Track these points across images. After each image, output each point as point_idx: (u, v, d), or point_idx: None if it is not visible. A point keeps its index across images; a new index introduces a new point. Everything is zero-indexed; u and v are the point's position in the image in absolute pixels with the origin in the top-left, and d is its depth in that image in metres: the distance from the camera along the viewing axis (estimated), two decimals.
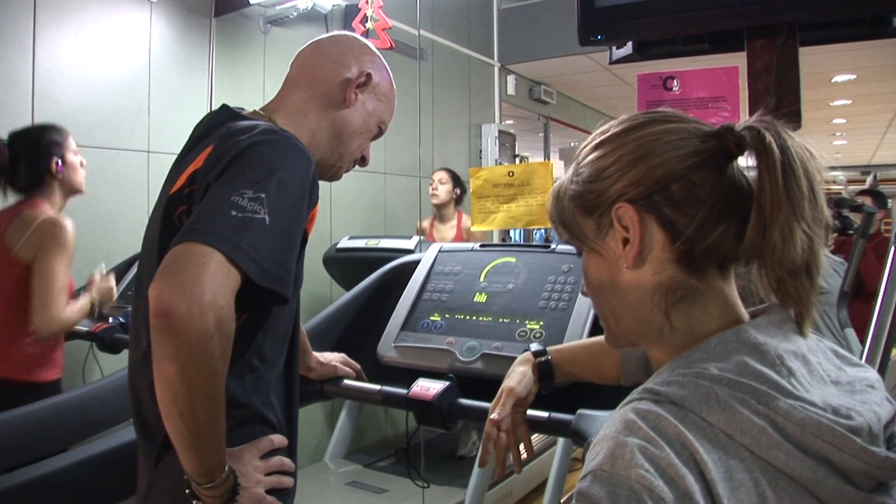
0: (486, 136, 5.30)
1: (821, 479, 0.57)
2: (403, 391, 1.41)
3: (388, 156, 4.21)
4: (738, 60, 1.59)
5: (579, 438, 1.18)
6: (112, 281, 2.25)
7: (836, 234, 3.61)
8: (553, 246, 1.78)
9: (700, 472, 0.56)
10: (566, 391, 1.30)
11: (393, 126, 1.37)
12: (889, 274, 1.49)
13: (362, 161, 1.31)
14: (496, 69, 5.56)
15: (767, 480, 0.57)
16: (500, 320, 1.65)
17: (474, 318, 1.69)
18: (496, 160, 5.21)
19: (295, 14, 3.49)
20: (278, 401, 1.16)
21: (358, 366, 1.58)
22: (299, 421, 1.26)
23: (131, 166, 2.97)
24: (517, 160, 5.81)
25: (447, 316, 1.72)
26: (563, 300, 1.62)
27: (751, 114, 1.52)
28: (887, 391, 0.68)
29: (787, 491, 0.57)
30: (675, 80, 1.67)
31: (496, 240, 4.35)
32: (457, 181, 3.94)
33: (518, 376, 1.18)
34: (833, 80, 6.53)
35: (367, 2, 3.51)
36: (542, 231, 5.31)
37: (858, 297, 3.64)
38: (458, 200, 3.96)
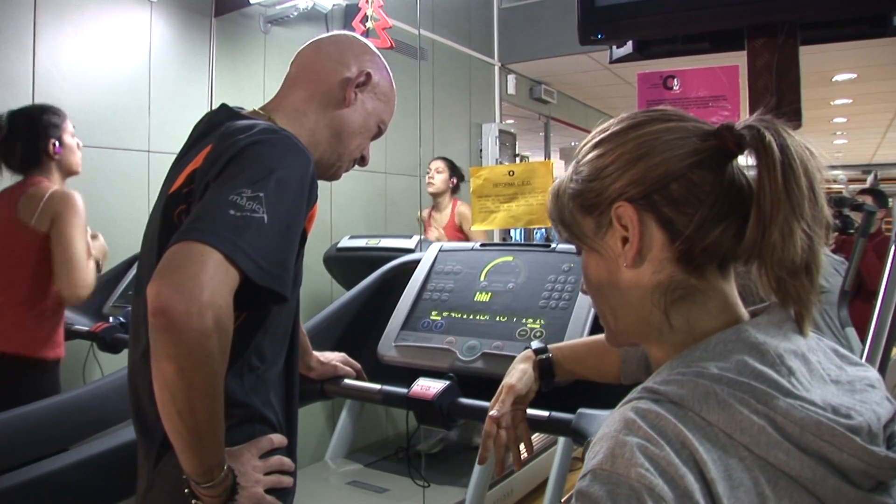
0: (486, 135, 5.30)
1: (820, 479, 0.57)
2: (404, 390, 1.41)
3: (389, 155, 4.21)
4: (738, 59, 1.59)
5: (579, 437, 1.18)
6: (101, 238, 2.29)
7: (836, 234, 3.61)
8: (553, 245, 1.78)
9: (700, 471, 0.56)
10: (566, 390, 1.30)
11: (393, 125, 1.37)
12: (889, 273, 1.49)
13: (362, 161, 1.31)
14: (496, 68, 5.56)
15: (767, 480, 0.57)
16: (501, 319, 1.65)
17: (475, 317, 1.69)
18: (497, 159, 5.21)
19: (295, 14, 3.49)
20: (278, 400, 1.16)
21: (358, 365, 1.58)
22: (300, 420, 1.26)
23: (132, 166, 2.97)
24: (518, 159, 5.81)
25: (447, 315, 1.72)
26: (564, 299, 1.61)
27: (751, 113, 1.52)
28: (887, 390, 0.68)
29: (786, 490, 0.57)
30: (675, 80, 1.66)
31: (497, 239, 4.36)
32: (454, 170, 3.94)
33: (518, 374, 1.18)
34: (833, 79, 6.53)
35: (367, 1, 3.51)
36: (543, 230, 5.31)
37: (859, 296, 3.64)
38: (455, 189, 3.96)
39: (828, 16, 1.46)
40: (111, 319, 2.43)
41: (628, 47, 1.68)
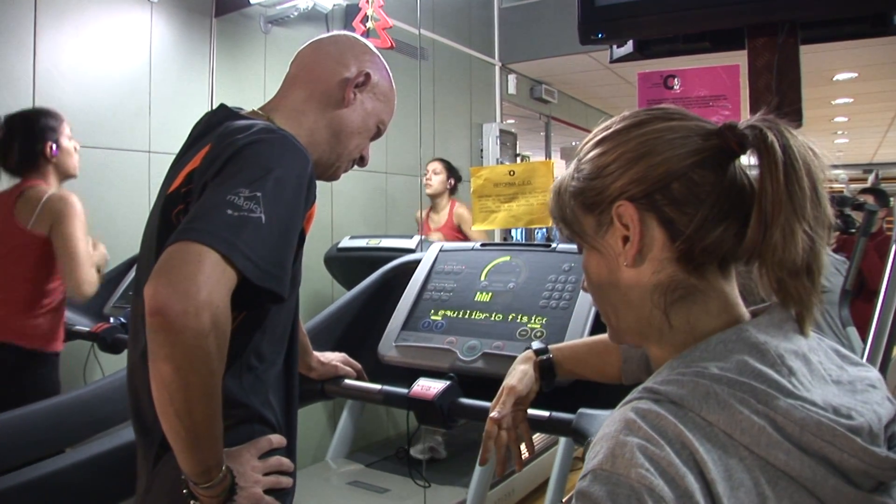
0: (487, 135, 5.30)
1: (820, 479, 0.57)
2: (404, 391, 1.41)
3: (390, 155, 4.21)
4: (739, 59, 1.59)
5: (580, 437, 1.18)
6: (102, 246, 2.30)
7: (837, 233, 3.60)
8: (554, 245, 1.78)
9: (700, 471, 0.56)
10: (567, 390, 1.30)
11: (394, 125, 1.37)
12: (891, 272, 1.49)
13: (361, 161, 1.30)
14: (497, 68, 5.56)
15: (767, 480, 0.57)
16: (501, 319, 1.65)
17: (475, 317, 1.69)
18: (497, 159, 5.21)
19: (295, 14, 3.49)
20: (277, 400, 1.16)
21: (359, 365, 1.58)
22: (300, 420, 1.25)
23: (132, 166, 2.97)
24: (518, 159, 5.81)
25: (448, 315, 1.72)
26: (564, 299, 1.61)
27: (752, 112, 1.52)
28: (888, 391, 0.67)
29: (786, 490, 0.57)
30: (675, 79, 1.66)
31: (497, 239, 4.36)
32: (451, 171, 3.94)
33: (519, 374, 1.18)
34: (834, 79, 6.53)
35: (367, 1, 3.50)
36: (544, 230, 5.31)
37: (861, 296, 3.63)
38: (453, 190, 3.96)
39: (828, 15, 1.46)
40: (112, 320, 2.43)
41: (629, 47, 1.68)
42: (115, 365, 2.34)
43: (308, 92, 1.22)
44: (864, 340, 1.47)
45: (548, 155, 6.81)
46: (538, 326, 1.58)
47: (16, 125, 2.17)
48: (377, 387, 1.50)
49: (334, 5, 3.61)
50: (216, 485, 0.97)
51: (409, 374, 1.51)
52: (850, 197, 3.68)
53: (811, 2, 1.42)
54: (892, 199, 5.49)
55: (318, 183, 1.20)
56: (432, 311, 1.74)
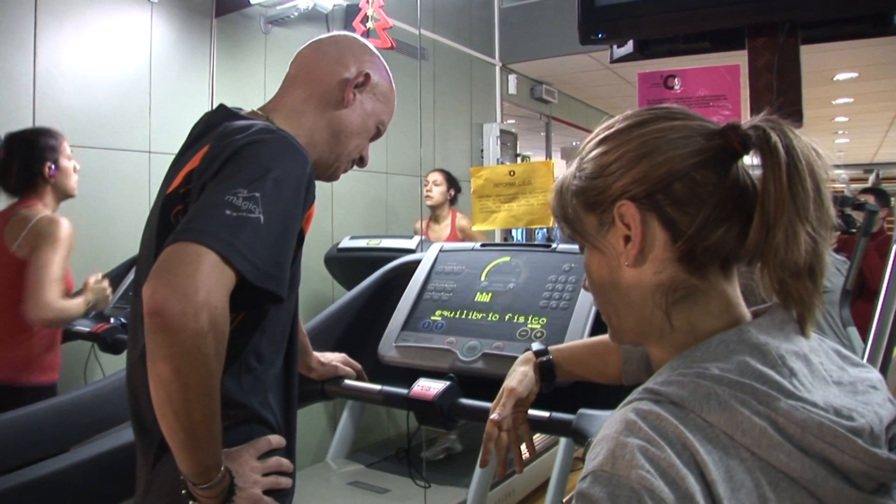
0: (487, 135, 5.30)
1: (822, 481, 0.57)
2: (404, 391, 1.41)
3: (390, 155, 4.21)
4: (739, 59, 1.59)
5: (580, 438, 1.18)
6: (107, 284, 2.26)
7: (838, 233, 3.60)
8: (554, 245, 1.77)
9: (701, 472, 0.56)
10: (567, 391, 1.29)
11: (394, 125, 1.37)
12: (891, 272, 1.49)
13: (360, 162, 1.30)
14: (497, 68, 5.56)
15: (768, 481, 0.57)
16: (501, 320, 1.64)
17: (475, 317, 1.68)
18: (498, 159, 5.21)
19: (296, 14, 3.49)
20: (277, 401, 1.16)
21: (359, 366, 1.58)
22: (300, 421, 1.25)
23: (132, 167, 2.97)
24: (519, 159, 5.81)
25: (448, 315, 1.72)
26: (565, 299, 1.61)
27: (752, 112, 1.52)
28: (890, 391, 0.67)
29: (787, 492, 0.56)
30: (676, 79, 1.66)
31: (498, 239, 4.36)
32: (451, 182, 3.94)
33: (519, 376, 1.17)
34: (835, 78, 6.53)
35: (367, 1, 3.51)
36: (544, 230, 5.31)
37: (862, 296, 3.63)
38: (453, 201, 3.97)
39: (828, 15, 1.46)
40: (112, 320, 2.43)
41: (629, 47, 1.67)
42: (115, 365, 2.34)
43: (308, 92, 1.22)
44: (865, 340, 1.47)
45: (548, 155, 6.81)
46: (538, 327, 1.58)
47: (15, 145, 2.16)
48: (377, 387, 1.50)
49: (334, 5, 3.62)
50: (215, 485, 0.96)
51: (409, 375, 1.51)
52: (850, 197, 3.68)
53: (811, 2, 1.41)
54: (892, 198, 5.48)
55: (319, 183, 1.20)
56: (432, 312, 1.74)
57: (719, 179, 0.66)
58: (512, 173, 2.12)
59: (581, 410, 1.20)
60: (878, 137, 10.88)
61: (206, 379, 0.89)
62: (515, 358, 1.23)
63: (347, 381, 1.54)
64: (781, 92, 1.49)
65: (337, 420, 3.51)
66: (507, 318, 1.64)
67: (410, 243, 3.02)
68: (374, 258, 2.84)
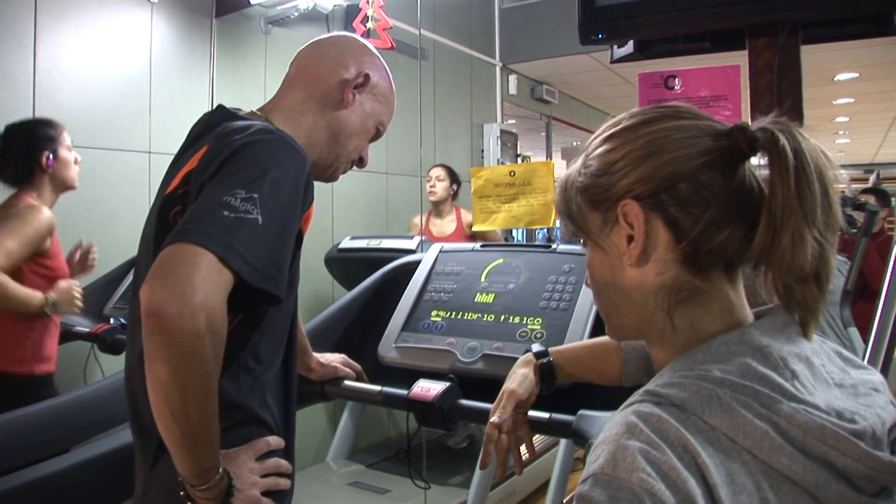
0: (487, 135, 5.30)
1: (823, 484, 0.56)
2: (404, 392, 1.40)
3: (390, 156, 4.21)
4: (739, 59, 1.58)
5: (580, 439, 1.17)
6: (78, 293, 2.16)
7: (839, 233, 3.59)
8: (554, 246, 1.77)
9: (702, 475, 0.55)
10: (567, 391, 1.29)
11: (394, 126, 1.37)
12: (892, 273, 1.48)
13: (360, 162, 1.30)
14: (498, 69, 5.56)
15: (770, 484, 0.56)
16: (501, 320, 1.64)
17: (475, 318, 1.68)
18: (498, 160, 5.21)
19: (296, 14, 3.49)
20: (275, 402, 1.15)
21: (358, 366, 1.57)
22: (300, 421, 1.25)
23: (132, 167, 2.97)
24: (519, 160, 5.81)
25: (448, 316, 1.71)
26: (565, 300, 1.61)
27: (752, 112, 1.52)
28: (891, 393, 0.67)
29: (789, 495, 0.56)
30: (676, 79, 1.66)
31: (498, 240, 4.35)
32: (453, 177, 3.96)
33: (519, 378, 1.17)
34: (835, 79, 6.53)
35: (367, 2, 3.51)
36: (545, 231, 5.30)
37: (863, 296, 3.63)
38: (455, 195, 3.99)
39: (829, 15, 1.46)
40: (112, 321, 2.43)
41: (629, 47, 1.67)
42: (115, 366, 2.34)
43: (307, 93, 1.21)
44: (866, 341, 1.46)
45: (549, 155, 6.81)
46: (538, 327, 1.58)
47: (13, 135, 2.13)
48: (377, 388, 1.49)
49: (335, 6, 3.61)
50: (213, 487, 0.96)
51: (409, 376, 1.51)
52: (851, 197, 3.68)
53: (812, 2, 1.41)
54: (893, 199, 5.48)
55: (319, 184, 1.20)
56: (432, 312, 1.74)
57: (725, 181, 0.66)
58: (512, 174, 2.12)
59: (581, 412, 1.19)
60: (879, 137, 10.87)
61: (204, 380, 0.89)
62: (515, 359, 1.23)
63: (347, 382, 1.54)
64: (782, 92, 1.48)
65: (337, 420, 3.51)
66: (507, 318, 1.64)
67: (410, 244, 3.02)
68: (374, 258, 2.84)
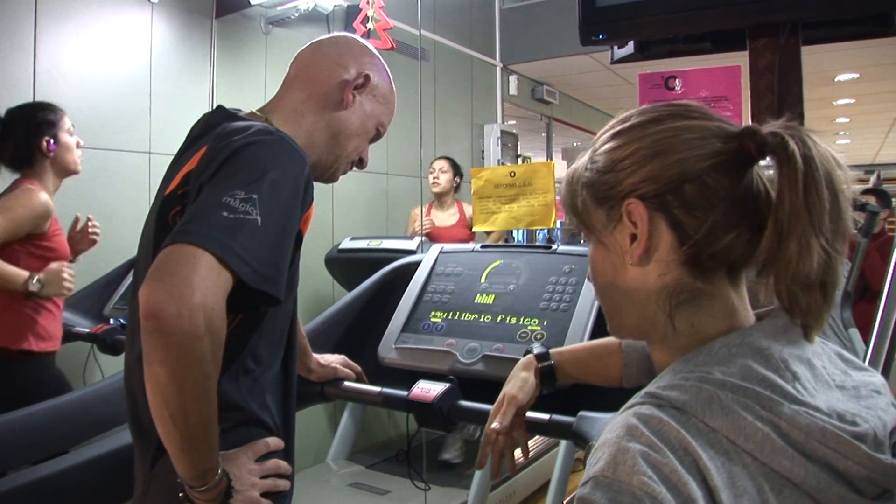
0: (488, 136, 5.30)
1: (825, 487, 0.56)
2: (404, 393, 1.40)
3: (390, 156, 4.21)
4: (740, 60, 1.58)
5: (581, 441, 1.17)
6: (67, 275, 2.14)
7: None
8: (554, 247, 1.77)
9: (703, 478, 0.55)
10: (567, 392, 1.29)
11: (395, 126, 1.36)
12: (893, 274, 1.48)
13: (360, 163, 1.30)
14: (498, 69, 5.56)
15: (771, 487, 0.56)
16: (502, 321, 1.64)
17: (475, 319, 1.68)
18: (498, 160, 5.21)
19: (296, 15, 3.49)
20: (275, 403, 1.15)
21: (358, 367, 1.57)
22: (301, 422, 1.25)
23: (132, 167, 2.97)
24: (519, 160, 5.80)
25: (448, 317, 1.71)
26: (565, 301, 1.61)
27: (753, 113, 1.52)
28: (893, 396, 0.66)
29: (790, 498, 0.56)
30: (677, 80, 1.66)
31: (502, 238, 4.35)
32: (456, 169, 4.00)
33: (520, 382, 1.16)
34: (836, 79, 6.52)
35: (368, 2, 3.51)
36: (545, 231, 5.30)
37: (864, 297, 3.63)
38: (457, 188, 4.02)
39: (830, 15, 1.46)
40: (112, 321, 2.43)
41: (630, 48, 1.67)
42: (114, 367, 2.34)
43: (307, 93, 1.21)
44: (867, 342, 1.46)
45: (549, 156, 6.81)
46: (538, 328, 1.58)
47: (13, 120, 2.12)
48: (377, 389, 1.49)
49: (335, 6, 3.61)
50: (212, 488, 0.96)
51: (409, 377, 1.50)
52: (851, 198, 3.66)
53: (813, 2, 1.41)
54: (894, 199, 5.48)
55: (319, 184, 1.19)
56: (432, 313, 1.74)
57: (732, 184, 0.65)
58: (512, 174, 2.12)
59: (581, 413, 1.19)
60: (880, 138, 10.87)
61: (203, 381, 0.89)
62: (515, 360, 1.23)
63: (347, 383, 1.54)
64: (782, 93, 1.48)
65: (337, 421, 3.50)
66: (507, 319, 1.64)
67: (411, 244, 3.02)
68: (374, 259, 2.84)
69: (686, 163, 0.65)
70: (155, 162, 3.03)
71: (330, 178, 1.27)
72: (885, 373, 1.42)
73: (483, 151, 5.29)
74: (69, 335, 2.35)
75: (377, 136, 1.29)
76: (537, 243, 3.87)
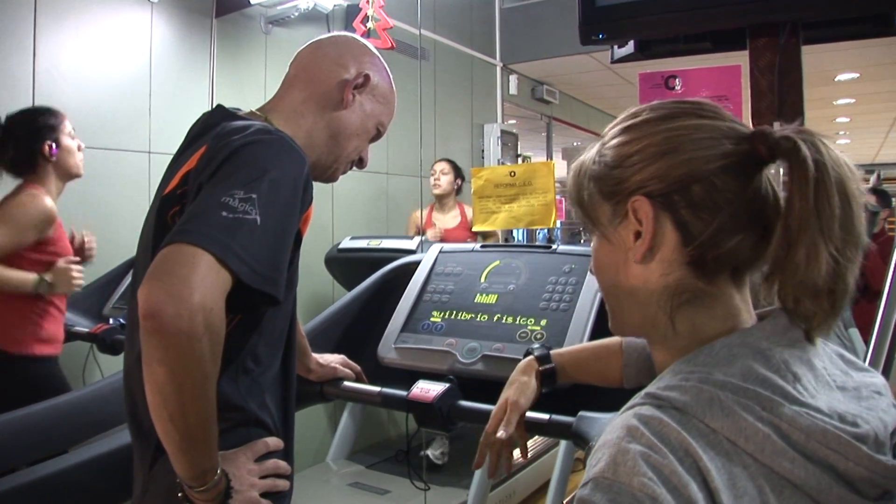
0: (488, 135, 5.30)
1: (825, 488, 0.56)
2: (403, 393, 1.40)
3: (390, 156, 4.21)
4: (740, 59, 1.58)
5: (580, 441, 1.17)
6: (76, 271, 2.17)
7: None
8: (554, 246, 1.77)
9: (703, 479, 0.55)
10: (567, 392, 1.29)
11: (395, 126, 1.36)
12: (893, 273, 1.48)
13: (360, 163, 1.29)
14: (498, 69, 5.55)
15: (771, 488, 0.56)
16: (501, 321, 1.64)
17: (475, 318, 1.68)
18: (499, 160, 5.20)
19: (296, 14, 3.48)
20: (274, 403, 1.15)
21: (358, 367, 1.57)
22: (300, 421, 1.25)
23: (132, 167, 2.97)
24: (519, 160, 5.80)
25: (448, 317, 1.71)
26: (565, 301, 1.60)
27: (753, 113, 1.52)
28: (894, 396, 0.66)
29: (791, 499, 0.56)
30: (677, 79, 1.66)
31: (499, 240, 4.35)
32: (457, 171, 3.99)
33: (521, 387, 1.16)
34: (836, 79, 6.52)
35: (368, 1, 3.50)
36: (545, 231, 5.30)
37: (864, 296, 3.62)
38: (458, 190, 4.01)
39: (830, 15, 1.45)
40: (111, 321, 2.43)
41: (630, 47, 1.67)
42: (114, 366, 2.34)
43: (307, 93, 1.21)
44: (867, 342, 1.46)
45: (549, 156, 6.81)
46: (538, 328, 1.58)
47: (14, 125, 2.12)
48: (376, 389, 1.49)
49: (335, 6, 3.61)
50: (211, 488, 0.96)
51: (408, 377, 1.50)
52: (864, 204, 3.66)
53: (813, 2, 1.41)
54: (894, 199, 5.47)
55: (319, 184, 1.19)
56: (432, 313, 1.74)
57: (740, 187, 0.64)
58: (512, 174, 2.11)
59: (581, 413, 1.19)
60: (880, 138, 10.87)
61: (202, 381, 0.88)
62: (515, 360, 1.23)
63: (346, 383, 1.54)
64: (782, 92, 1.48)
65: (337, 421, 3.50)
66: (506, 319, 1.63)
67: (411, 244, 3.02)
68: (374, 259, 2.84)
69: (695, 163, 0.64)
70: (155, 162, 3.02)
71: (330, 177, 1.27)
72: (886, 373, 1.42)
73: (483, 151, 5.29)
74: (69, 335, 2.35)
75: (377, 135, 1.29)
76: (537, 243, 3.87)
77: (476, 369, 1.56)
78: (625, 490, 0.54)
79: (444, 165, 3.96)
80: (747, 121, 1.50)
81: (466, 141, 5.16)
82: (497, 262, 1.79)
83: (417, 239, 3.14)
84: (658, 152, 0.66)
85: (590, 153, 0.73)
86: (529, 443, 1.23)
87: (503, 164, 5.11)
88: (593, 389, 1.19)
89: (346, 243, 3.40)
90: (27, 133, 2.11)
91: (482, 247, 1.90)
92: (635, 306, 0.70)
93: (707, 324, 0.67)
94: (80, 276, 2.19)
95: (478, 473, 2.59)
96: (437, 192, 3.96)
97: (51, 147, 2.13)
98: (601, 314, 1.50)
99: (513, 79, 5.69)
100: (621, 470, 0.55)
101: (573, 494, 0.61)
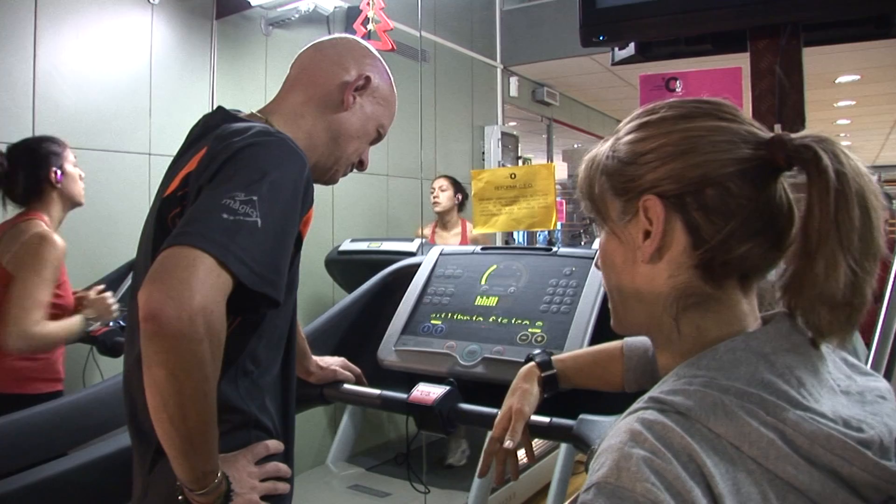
0: (488, 137, 5.29)
1: (830, 493, 0.55)
2: (403, 396, 1.40)
3: (391, 158, 4.21)
4: (741, 61, 1.58)
5: (581, 444, 1.16)
6: (110, 298, 2.18)
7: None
8: (555, 249, 1.76)
9: (707, 485, 0.54)
10: (568, 395, 1.28)
11: (395, 128, 1.36)
12: (894, 276, 1.47)
13: (360, 165, 1.29)
14: (499, 71, 5.55)
15: (775, 494, 0.55)
16: (502, 324, 1.63)
17: (475, 321, 1.67)
18: (499, 162, 5.20)
19: (296, 16, 3.48)
20: (274, 405, 1.15)
21: (358, 370, 1.57)
22: (301, 424, 1.24)
23: (132, 169, 2.97)
24: (520, 162, 5.80)
25: (448, 319, 1.71)
26: (565, 303, 1.60)
27: (753, 115, 1.51)
28: None
29: None
30: (677, 81, 1.65)
31: (499, 242, 4.35)
32: (458, 187, 3.92)
33: (524, 394, 1.15)
34: (837, 81, 6.52)
35: (368, 3, 3.50)
36: (545, 233, 5.30)
37: None
38: (461, 206, 3.95)
39: (831, 17, 1.45)
40: (111, 323, 2.42)
41: (630, 49, 1.67)
42: (113, 368, 2.33)
43: (307, 95, 1.21)
44: (869, 344, 1.45)
45: (550, 157, 6.81)
46: (539, 331, 1.57)
47: (19, 154, 2.11)
48: (376, 392, 1.49)
49: (335, 7, 3.61)
50: (211, 491, 0.95)
51: (408, 379, 1.50)
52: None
53: (814, 4, 1.41)
54: (895, 201, 5.46)
55: (320, 186, 1.19)
56: (432, 316, 1.73)
57: (755, 193, 0.63)
58: (513, 176, 2.11)
59: (582, 416, 1.19)
60: (880, 140, 10.87)
61: (202, 384, 0.88)
62: (516, 362, 1.22)
63: (346, 386, 1.54)
64: (783, 95, 1.48)
65: (337, 423, 3.51)
66: (507, 322, 1.63)
67: (411, 246, 3.02)
68: (374, 261, 2.84)
69: (711, 166, 0.63)
70: (155, 163, 3.02)
71: (330, 179, 1.27)
72: (888, 377, 1.42)
73: (483, 153, 5.29)
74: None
75: (377, 137, 1.29)
76: (538, 245, 3.86)
77: (476, 372, 1.55)
78: (628, 495, 0.53)
79: (442, 182, 3.90)
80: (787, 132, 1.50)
81: (467, 143, 5.16)
82: (497, 265, 1.79)
83: (417, 241, 3.13)
84: (674, 152, 0.65)
85: (603, 147, 0.72)
86: None
87: (503, 166, 5.10)
88: (594, 392, 1.19)
89: (347, 245, 3.40)
90: (32, 160, 2.11)
91: (482, 249, 1.89)
92: (640, 306, 0.69)
93: (712, 328, 0.66)
94: (114, 299, 2.20)
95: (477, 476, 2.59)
96: (437, 209, 3.90)
97: (56, 173, 2.12)
98: (602, 317, 1.49)
99: (513, 81, 5.69)
100: (624, 475, 0.54)
101: (573, 497, 0.60)
